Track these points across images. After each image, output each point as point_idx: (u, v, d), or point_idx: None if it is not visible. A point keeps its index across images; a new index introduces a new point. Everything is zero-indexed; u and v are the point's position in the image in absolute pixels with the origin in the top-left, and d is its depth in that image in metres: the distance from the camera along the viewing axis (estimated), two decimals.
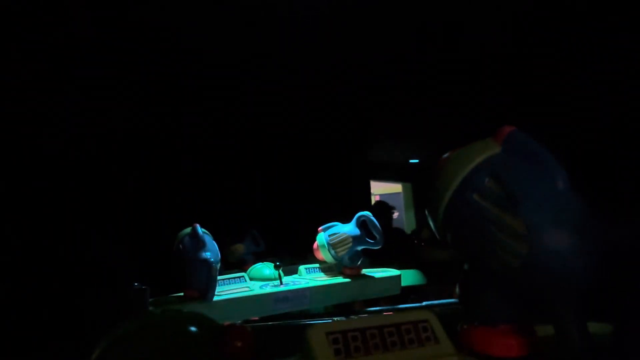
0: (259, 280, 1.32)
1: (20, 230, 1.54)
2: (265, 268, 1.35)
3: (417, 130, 2.88)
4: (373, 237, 1.39)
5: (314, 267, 1.40)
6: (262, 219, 2.10)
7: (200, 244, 1.14)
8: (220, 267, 1.19)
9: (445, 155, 0.85)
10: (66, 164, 1.69)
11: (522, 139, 0.83)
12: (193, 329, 0.68)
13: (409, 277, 1.83)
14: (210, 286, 1.11)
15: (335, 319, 1.19)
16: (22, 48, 1.51)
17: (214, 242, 1.19)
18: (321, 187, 2.33)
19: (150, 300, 1.11)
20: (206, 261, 1.11)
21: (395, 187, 5.49)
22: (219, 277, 1.20)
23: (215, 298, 1.15)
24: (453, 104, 2.21)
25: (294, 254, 1.64)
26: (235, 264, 1.58)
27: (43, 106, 1.62)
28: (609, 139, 1.66)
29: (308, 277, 1.36)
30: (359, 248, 1.38)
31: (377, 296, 1.40)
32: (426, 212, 0.85)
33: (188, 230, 1.18)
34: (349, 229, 1.39)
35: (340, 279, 1.37)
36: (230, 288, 1.25)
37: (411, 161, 4.15)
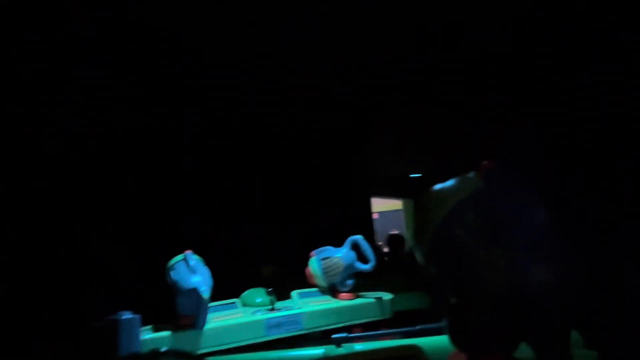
0: (252, 306, 1.31)
1: (20, 230, 1.54)
2: (258, 294, 1.34)
3: (417, 139, 2.87)
4: (365, 261, 1.40)
5: (306, 292, 1.40)
6: (263, 219, 2.09)
7: (191, 272, 1.14)
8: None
9: (431, 189, 0.86)
10: (66, 164, 1.69)
11: (502, 174, 0.84)
12: None
13: (414, 300, 1.81)
14: (200, 314, 1.12)
15: (324, 348, 1.18)
16: (22, 48, 1.51)
17: (205, 268, 1.19)
18: (318, 204, 2.33)
19: (143, 328, 1.10)
20: (196, 290, 1.12)
21: (396, 204, 5.43)
22: (210, 304, 1.20)
23: (207, 325, 1.16)
24: (453, 104, 2.21)
25: (289, 276, 1.63)
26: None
27: (43, 106, 1.62)
28: (609, 139, 1.66)
29: (301, 302, 1.36)
30: (351, 272, 1.39)
31: (369, 320, 1.38)
32: (414, 244, 0.87)
33: (179, 257, 1.17)
34: (341, 253, 1.40)
35: (332, 304, 1.36)
36: (222, 314, 1.24)
37: (412, 175, 4.08)
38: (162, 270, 1.17)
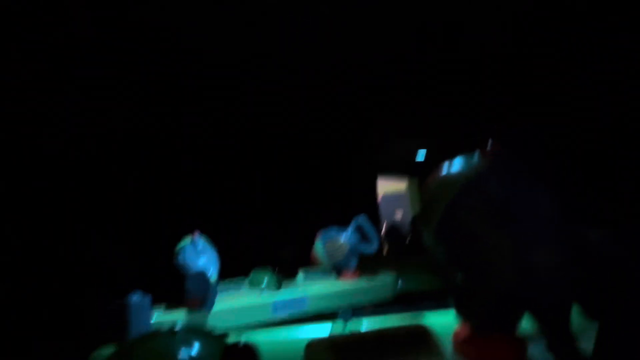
0: (259, 288, 1.33)
1: (21, 230, 1.54)
2: (264, 274, 1.36)
3: (418, 127, 2.87)
4: (368, 241, 1.41)
5: (312, 273, 1.42)
6: (263, 219, 2.10)
7: (199, 255, 1.15)
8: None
9: (437, 171, 0.86)
10: (66, 164, 1.69)
11: (507, 158, 0.85)
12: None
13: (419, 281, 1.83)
14: (208, 295, 1.13)
15: (333, 324, 1.19)
16: (22, 48, 1.51)
17: (214, 250, 1.21)
18: (324, 186, 2.33)
19: (152, 308, 1.12)
20: (203, 272, 1.13)
21: (401, 186, 5.41)
22: (219, 285, 1.22)
23: (216, 306, 1.17)
24: (453, 104, 2.21)
25: (296, 255, 1.65)
26: None
27: (43, 106, 1.62)
28: (609, 139, 1.66)
29: (306, 283, 1.37)
30: (356, 253, 1.41)
31: (373, 301, 1.41)
32: (421, 227, 0.88)
33: (187, 240, 1.19)
34: (346, 234, 1.42)
35: (337, 285, 1.38)
36: (230, 295, 1.26)
37: (417, 156, 4.07)
38: (165, 271, 1.18)
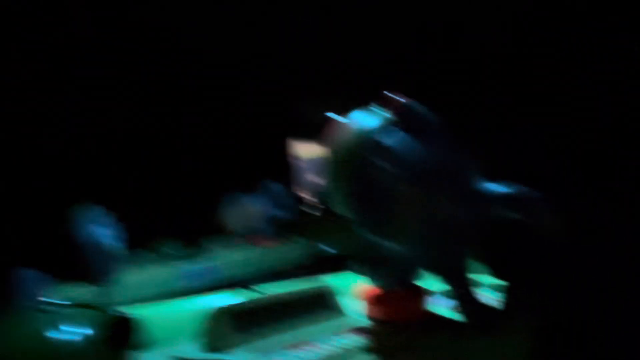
0: (166, 258, 1.27)
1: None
2: (172, 244, 1.30)
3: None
4: (283, 207, 1.36)
5: (224, 240, 1.36)
6: (169, 187, 1.97)
7: (99, 226, 1.11)
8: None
9: (340, 129, 0.84)
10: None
11: (416, 111, 0.83)
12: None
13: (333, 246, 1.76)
14: (109, 268, 1.08)
15: (241, 292, 1.11)
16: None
17: (114, 221, 1.16)
18: (231, 152, 2.15)
19: (44, 283, 1.05)
20: (104, 244, 1.08)
21: (314, 150, 5.29)
22: (128, 256, 1.16)
23: (121, 278, 1.12)
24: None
25: (204, 225, 1.56)
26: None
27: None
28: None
29: (219, 251, 1.31)
30: (269, 218, 1.35)
31: (287, 267, 1.34)
32: (330, 188, 0.86)
33: (86, 210, 1.13)
34: (257, 199, 1.35)
35: (249, 252, 1.32)
36: (136, 267, 1.20)
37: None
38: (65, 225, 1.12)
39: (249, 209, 1.37)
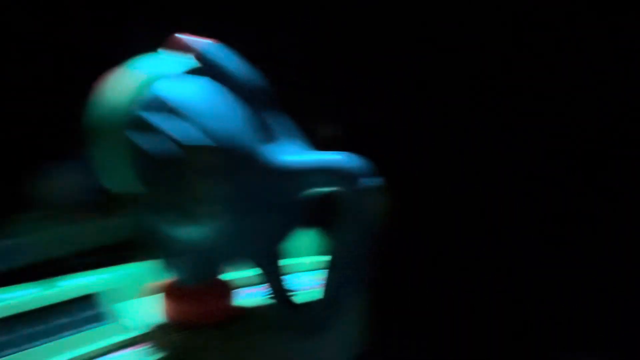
0: None
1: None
2: None
3: None
4: (90, 178, 1.17)
5: (32, 216, 1.18)
6: None
7: None
8: None
9: (118, 70, 0.69)
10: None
11: (224, 56, 0.70)
12: None
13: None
14: None
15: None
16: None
17: None
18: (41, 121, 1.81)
19: None
20: None
21: None
22: None
23: None
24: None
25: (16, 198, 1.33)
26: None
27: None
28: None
29: (25, 228, 1.14)
30: (82, 191, 1.18)
31: (93, 246, 1.14)
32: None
33: None
34: (77, 169, 1.21)
35: (65, 227, 1.16)
36: None
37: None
38: None
39: (69, 179, 1.20)
